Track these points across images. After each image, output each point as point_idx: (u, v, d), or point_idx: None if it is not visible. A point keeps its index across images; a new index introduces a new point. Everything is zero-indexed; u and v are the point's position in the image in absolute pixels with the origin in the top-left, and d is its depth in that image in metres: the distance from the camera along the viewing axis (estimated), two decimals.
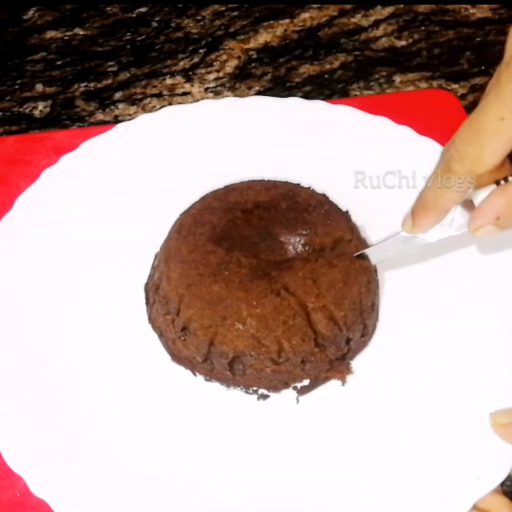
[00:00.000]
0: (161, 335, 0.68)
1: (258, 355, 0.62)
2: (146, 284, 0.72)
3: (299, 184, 0.73)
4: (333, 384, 0.66)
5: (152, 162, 0.81)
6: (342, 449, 0.62)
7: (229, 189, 0.73)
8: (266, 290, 0.63)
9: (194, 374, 0.66)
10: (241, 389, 0.66)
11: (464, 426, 0.62)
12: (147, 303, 0.71)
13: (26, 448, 0.59)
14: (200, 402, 0.65)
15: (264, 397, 0.65)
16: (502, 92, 0.48)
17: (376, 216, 0.75)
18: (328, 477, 0.60)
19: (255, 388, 0.65)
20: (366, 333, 0.68)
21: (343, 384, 0.65)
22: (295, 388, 0.65)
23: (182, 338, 0.65)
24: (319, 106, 0.84)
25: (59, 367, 0.66)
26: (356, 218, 0.72)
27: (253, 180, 0.74)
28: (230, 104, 0.84)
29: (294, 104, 0.84)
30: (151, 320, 0.69)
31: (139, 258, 0.73)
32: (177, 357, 0.67)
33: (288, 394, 0.65)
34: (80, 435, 0.61)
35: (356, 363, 0.67)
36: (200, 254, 0.66)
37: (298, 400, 0.65)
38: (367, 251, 0.67)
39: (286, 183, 0.73)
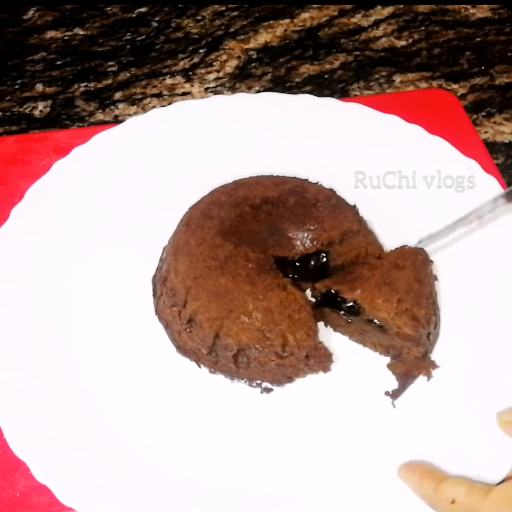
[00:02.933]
0: (167, 326, 0.69)
1: (263, 348, 0.63)
2: (154, 276, 0.72)
3: (307, 180, 0.74)
4: (334, 378, 0.66)
5: (162, 156, 0.82)
6: (345, 441, 0.62)
7: (238, 184, 0.73)
8: (273, 284, 0.64)
9: (199, 366, 0.67)
10: (245, 382, 0.66)
11: (469, 423, 0.62)
12: (154, 295, 0.71)
13: (31, 436, 0.59)
14: (204, 394, 0.65)
15: (268, 390, 0.65)
16: None
17: (386, 213, 0.76)
18: (330, 469, 0.61)
19: (258, 382, 0.66)
20: (438, 323, 0.68)
21: (428, 380, 0.65)
22: (387, 393, 0.65)
23: (188, 330, 0.65)
24: (330, 103, 0.84)
25: (66, 357, 0.66)
26: (365, 214, 0.72)
27: (261, 176, 0.74)
28: (241, 100, 0.85)
29: (305, 101, 0.84)
30: (157, 312, 0.70)
31: (147, 251, 0.74)
32: (182, 349, 0.67)
33: (291, 388, 0.65)
34: (85, 424, 0.62)
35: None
36: (208, 248, 0.66)
37: (394, 405, 0.64)
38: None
39: (294, 178, 0.74)
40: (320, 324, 0.68)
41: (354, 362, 0.67)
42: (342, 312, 0.65)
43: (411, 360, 0.65)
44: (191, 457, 0.61)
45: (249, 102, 0.85)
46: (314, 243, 0.68)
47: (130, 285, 0.71)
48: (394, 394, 0.65)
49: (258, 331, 0.62)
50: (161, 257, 0.73)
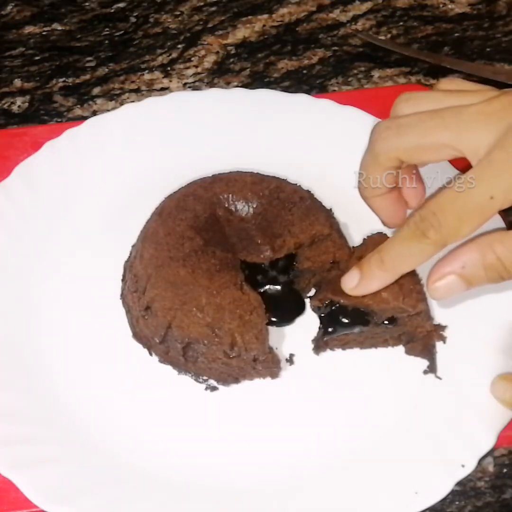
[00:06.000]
0: (128, 311, 0.70)
1: (211, 345, 0.63)
2: (126, 261, 0.73)
3: (285, 180, 0.74)
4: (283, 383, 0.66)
5: (152, 144, 0.83)
6: (290, 445, 0.63)
7: (216, 179, 0.73)
8: (230, 282, 0.64)
9: (150, 354, 0.68)
10: (192, 376, 0.66)
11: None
12: (123, 279, 0.72)
13: None
14: (150, 382, 0.66)
15: (213, 388, 0.66)
16: (495, 172, 0.51)
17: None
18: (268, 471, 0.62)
19: (205, 378, 0.66)
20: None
21: (445, 342, 0.66)
22: (426, 371, 0.66)
23: (145, 317, 0.66)
24: (325, 105, 0.85)
25: (27, 327, 0.69)
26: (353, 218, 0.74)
27: (241, 172, 0.74)
28: (237, 95, 0.86)
29: (301, 101, 0.86)
30: (123, 296, 0.71)
31: (126, 236, 0.75)
32: (137, 335, 0.69)
33: (237, 389, 0.66)
34: (36, 407, 0.64)
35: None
36: (175, 238, 0.67)
37: (440, 378, 0.65)
38: None
39: (273, 177, 0.74)
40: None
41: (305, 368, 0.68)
42: (356, 328, 0.65)
43: (423, 335, 0.65)
44: (127, 442, 0.62)
45: (245, 98, 0.86)
46: (283, 249, 0.68)
47: (105, 269, 0.74)
48: (431, 369, 0.65)
49: (207, 327, 0.63)
50: (134, 243, 0.74)
